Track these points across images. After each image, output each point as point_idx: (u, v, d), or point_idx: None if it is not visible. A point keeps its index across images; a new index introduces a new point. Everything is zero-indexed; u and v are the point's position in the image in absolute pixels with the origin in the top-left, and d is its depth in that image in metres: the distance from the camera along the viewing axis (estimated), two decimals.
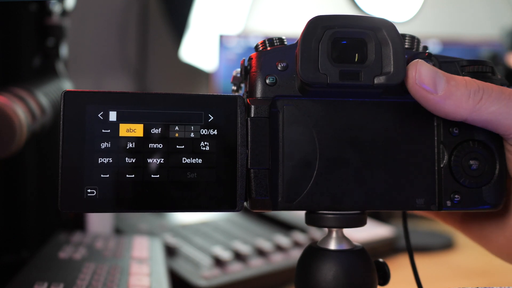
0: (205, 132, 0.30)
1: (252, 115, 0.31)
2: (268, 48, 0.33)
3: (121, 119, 0.30)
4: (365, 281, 0.32)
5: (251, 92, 0.32)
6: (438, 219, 0.40)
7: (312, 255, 0.33)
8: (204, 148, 0.30)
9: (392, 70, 0.30)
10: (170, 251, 0.66)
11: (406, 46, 0.34)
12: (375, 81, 0.30)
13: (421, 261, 0.75)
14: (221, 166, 0.30)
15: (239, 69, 0.34)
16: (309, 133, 0.32)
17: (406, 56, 0.31)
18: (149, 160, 0.30)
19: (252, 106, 0.31)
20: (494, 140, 0.32)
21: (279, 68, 0.32)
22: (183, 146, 0.30)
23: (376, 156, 0.32)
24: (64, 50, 0.69)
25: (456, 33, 1.34)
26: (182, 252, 0.68)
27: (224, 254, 0.65)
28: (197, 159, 0.30)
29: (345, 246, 0.33)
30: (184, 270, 0.62)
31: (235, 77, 0.35)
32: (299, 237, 0.76)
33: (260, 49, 0.33)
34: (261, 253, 0.70)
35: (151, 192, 0.30)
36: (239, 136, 0.31)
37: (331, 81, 0.30)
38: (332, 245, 0.33)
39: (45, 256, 0.52)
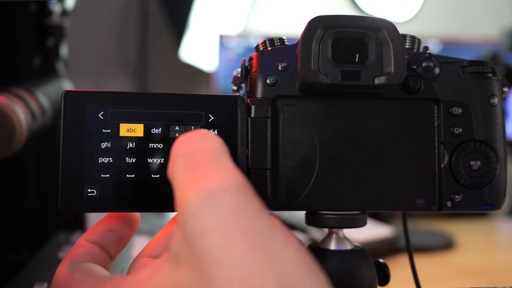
0: None
1: (253, 115, 0.31)
2: (269, 48, 0.33)
3: (122, 119, 0.30)
4: (365, 282, 0.32)
5: (251, 92, 0.32)
6: None
7: (312, 256, 0.33)
8: None
9: (392, 70, 0.30)
10: None
11: (407, 46, 0.34)
12: (376, 81, 0.30)
13: (421, 261, 0.75)
14: None
15: (239, 69, 0.34)
16: (309, 133, 0.32)
17: (406, 57, 0.31)
18: (150, 160, 0.30)
19: (253, 106, 0.31)
20: (495, 141, 0.32)
21: (279, 68, 0.32)
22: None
23: (376, 156, 0.32)
24: (64, 50, 0.69)
25: (456, 33, 1.34)
26: None
27: None
28: None
29: (345, 247, 0.33)
30: None
31: (235, 77, 0.35)
32: (299, 237, 0.76)
33: (261, 49, 0.33)
34: None
35: (152, 192, 0.30)
36: (239, 136, 0.31)
37: (332, 81, 0.30)
38: (332, 246, 0.33)
39: (45, 256, 0.52)
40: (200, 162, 0.23)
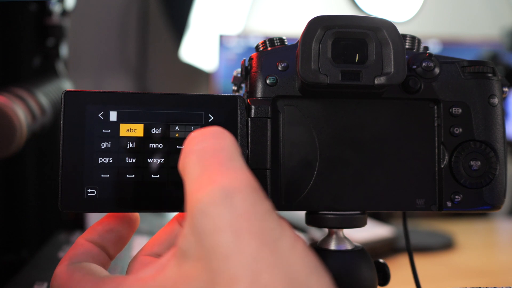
0: None
1: (253, 115, 0.31)
2: (269, 48, 0.33)
3: (122, 119, 0.30)
4: (365, 282, 0.32)
5: (251, 92, 0.32)
6: None
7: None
8: None
9: (392, 70, 0.30)
10: None
11: (407, 46, 0.34)
12: (376, 82, 0.30)
13: (421, 261, 0.75)
14: None
15: (239, 69, 0.34)
16: (309, 133, 0.32)
17: (406, 57, 0.31)
18: (150, 160, 0.30)
19: (253, 106, 0.31)
20: (495, 141, 0.32)
21: (279, 68, 0.32)
22: (183, 146, 0.30)
23: (376, 156, 0.32)
24: (64, 50, 0.69)
25: (456, 33, 1.34)
26: None
27: None
28: None
29: (345, 247, 0.33)
30: None
31: (235, 77, 0.35)
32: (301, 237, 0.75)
33: (261, 49, 0.33)
34: None
35: (152, 192, 0.30)
36: (239, 136, 0.31)
37: (332, 82, 0.30)
38: (332, 246, 0.33)
39: (45, 256, 0.52)
40: (213, 160, 0.23)
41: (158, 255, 0.29)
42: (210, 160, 0.23)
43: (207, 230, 0.21)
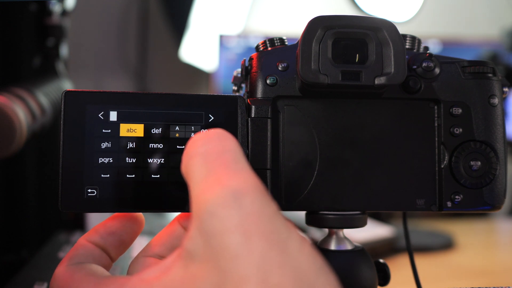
0: None
1: (253, 116, 0.31)
2: (269, 48, 0.33)
3: (122, 119, 0.30)
4: (365, 282, 0.32)
5: (251, 92, 0.32)
6: None
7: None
8: None
9: (392, 70, 0.30)
10: None
11: (407, 46, 0.34)
12: (376, 82, 0.30)
13: (421, 261, 0.75)
14: None
15: (239, 69, 0.34)
16: (309, 134, 0.32)
17: (406, 57, 0.31)
18: (150, 160, 0.30)
19: (253, 107, 0.31)
20: (495, 141, 0.32)
21: (279, 68, 0.32)
22: (183, 146, 0.30)
23: (377, 156, 0.32)
24: (64, 50, 0.69)
25: (456, 33, 1.33)
26: None
27: None
28: None
29: (345, 247, 0.33)
30: None
31: (235, 77, 0.35)
32: None
33: (261, 49, 0.33)
34: None
35: (152, 192, 0.30)
36: (239, 136, 0.31)
37: (332, 82, 0.30)
38: (332, 246, 0.33)
39: (45, 256, 0.52)
40: (219, 162, 0.23)
41: (159, 257, 0.29)
42: (216, 162, 0.23)
43: (215, 231, 0.21)
